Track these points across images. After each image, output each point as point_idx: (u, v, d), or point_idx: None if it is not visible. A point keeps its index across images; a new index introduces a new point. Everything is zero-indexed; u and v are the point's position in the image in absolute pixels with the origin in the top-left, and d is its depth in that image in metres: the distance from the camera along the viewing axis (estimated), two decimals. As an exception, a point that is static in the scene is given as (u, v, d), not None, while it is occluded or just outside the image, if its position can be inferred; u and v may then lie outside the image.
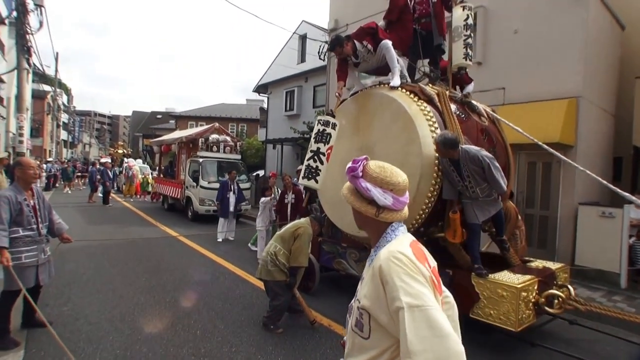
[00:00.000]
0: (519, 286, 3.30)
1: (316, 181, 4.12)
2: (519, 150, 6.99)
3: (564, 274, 4.18)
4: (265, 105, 18.28)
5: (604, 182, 4.07)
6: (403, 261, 1.04)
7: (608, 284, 5.87)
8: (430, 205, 3.75)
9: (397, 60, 4.26)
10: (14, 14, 10.74)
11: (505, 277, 3.52)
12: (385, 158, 3.91)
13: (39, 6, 10.94)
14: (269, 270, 3.70)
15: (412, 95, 3.98)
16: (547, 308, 3.50)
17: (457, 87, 5.03)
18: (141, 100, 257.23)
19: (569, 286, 3.76)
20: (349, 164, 1.24)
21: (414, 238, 1.19)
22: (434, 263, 1.18)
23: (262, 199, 6.30)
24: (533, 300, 3.47)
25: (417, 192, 3.69)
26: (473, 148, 3.53)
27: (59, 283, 4.90)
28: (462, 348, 0.97)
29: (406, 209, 1.22)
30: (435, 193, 3.73)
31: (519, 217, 4.80)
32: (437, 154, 3.67)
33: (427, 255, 1.17)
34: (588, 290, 5.63)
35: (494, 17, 7.52)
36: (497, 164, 3.49)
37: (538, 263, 4.25)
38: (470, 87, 5.20)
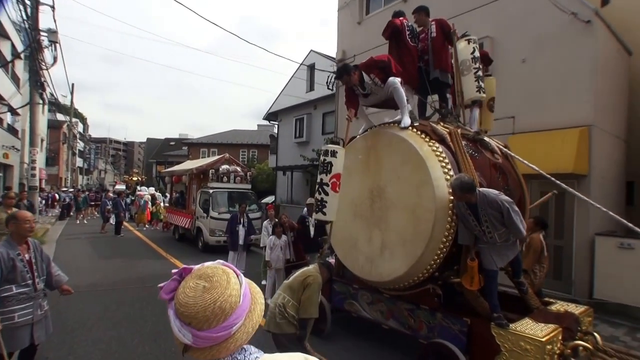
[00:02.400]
0: (544, 339, 3.08)
1: (323, 213, 3.98)
2: (531, 179, 6.82)
3: (588, 317, 3.92)
4: (275, 132, 18.45)
5: (615, 215, 3.90)
6: None
7: (631, 319, 5.54)
8: (445, 250, 3.58)
9: (407, 99, 4.21)
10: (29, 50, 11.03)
11: (528, 327, 3.30)
12: (397, 200, 3.85)
13: (53, 42, 11.24)
14: (278, 322, 3.41)
15: (423, 135, 3.87)
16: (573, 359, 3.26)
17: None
18: (155, 126, 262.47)
19: (595, 334, 3.52)
20: (165, 283, 0.94)
21: None
22: None
23: (271, 238, 6.15)
24: (558, 352, 3.23)
25: (432, 238, 3.53)
26: (492, 192, 3.39)
27: (63, 330, 4.66)
28: None
29: (239, 335, 0.88)
30: (450, 238, 3.57)
31: (545, 253, 4.57)
32: (451, 197, 3.54)
33: None
34: (610, 327, 5.30)
35: (501, 46, 7.50)
36: (517, 208, 3.34)
37: (559, 306, 4.00)
38: (476, 111, 5.07)
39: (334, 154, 4.02)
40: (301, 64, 14.94)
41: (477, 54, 4.35)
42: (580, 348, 3.33)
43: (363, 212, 4.23)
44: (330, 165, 3.99)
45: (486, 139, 4.26)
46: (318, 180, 4.04)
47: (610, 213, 4.01)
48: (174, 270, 0.95)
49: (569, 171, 5.98)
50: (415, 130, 3.94)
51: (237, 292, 0.89)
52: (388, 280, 3.95)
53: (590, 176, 6.41)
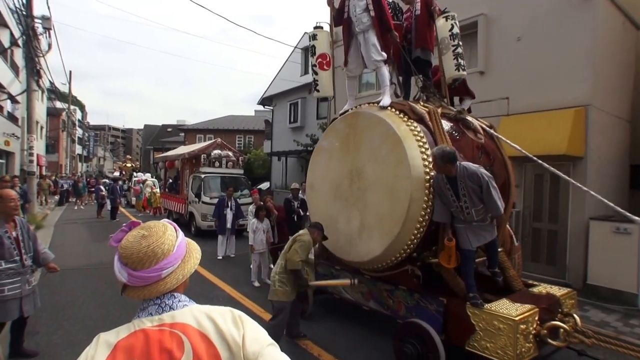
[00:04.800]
0: (517, 318, 3.09)
1: (317, 91, 4.68)
2: (525, 162, 6.73)
3: (571, 300, 3.91)
4: (271, 117, 18.36)
5: (601, 197, 3.85)
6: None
7: (624, 305, 5.50)
8: (422, 230, 3.58)
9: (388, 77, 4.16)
10: (24, 37, 11.09)
11: (503, 307, 3.30)
12: (375, 181, 3.85)
13: (47, 29, 11.29)
14: (274, 289, 3.84)
15: (401, 115, 3.84)
16: (550, 340, 3.26)
17: (458, 100, 4.89)
18: (153, 113, 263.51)
19: (575, 315, 3.51)
20: (115, 234, 1.07)
21: (146, 326, 0.96)
22: (185, 359, 0.92)
23: (254, 222, 6.18)
24: (533, 332, 3.23)
25: (407, 217, 3.52)
26: (472, 165, 3.39)
27: (54, 308, 4.90)
28: None
29: (169, 280, 0.99)
30: (427, 217, 3.56)
31: (515, 243, 4.54)
32: (427, 177, 3.52)
33: (150, 351, 0.92)
34: (602, 313, 5.29)
35: (496, 24, 7.32)
36: (495, 185, 3.32)
37: (542, 288, 3.99)
38: (468, 102, 5.03)
39: (314, 37, 4.62)
40: (295, 47, 14.71)
41: (455, 30, 4.25)
42: (561, 330, 3.33)
43: (342, 193, 4.22)
44: (314, 48, 4.61)
45: (469, 118, 4.19)
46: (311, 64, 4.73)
47: (594, 194, 3.95)
48: (124, 224, 1.08)
49: (562, 153, 5.88)
50: (393, 109, 3.91)
51: (171, 242, 1.02)
52: (366, 261, 3.97)
53: (586, 158, 6.30)
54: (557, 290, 3.94)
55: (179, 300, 1.02)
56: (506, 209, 4.26)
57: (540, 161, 4.11)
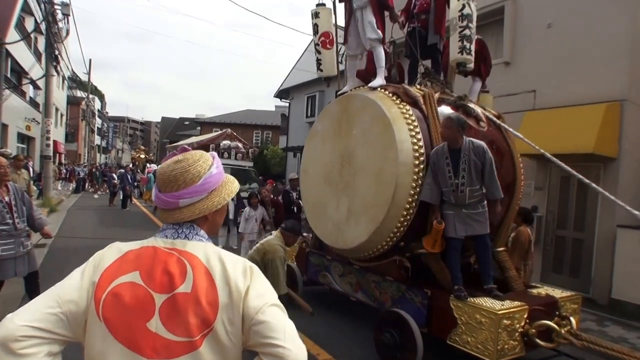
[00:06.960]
0: (500, 312, 3.14)
1: (321, 70, 5.02)
2: (550, 163, 6.58)
3: (573, 304, 3.87)
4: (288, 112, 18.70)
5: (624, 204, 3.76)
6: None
7: (651, 323, 5.29)
8: (409, 217, 3.69)
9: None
10: (45, 23, 12.09)
11: (489, 301, 3.35)
12: (364, 165, 4.01)
13: (65, 15, 12.28)
14: None
15: (394, 97, 3.96)
16: (538, 340, 3.27)
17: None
18: (173, 106, 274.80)
19: (571, 318, 3.48)
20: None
21: (158, 245, 1.00)
22: (184, 288, 0.94)
23: (247, 210, 6.42)
24: (520, 330, 3.26)
25: (393, 203, 3.64)
26: (478, 140, 3.56)
27: (61, 277, 5.41)
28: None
29: (186, 211, 1.02)
30: (414, 204, 3.66)
31: (531, 249, 4.50)
32: (416, 162, 3.62)
33: (154, 267, 0.96)
34: (622, 329, 5.11)
35: (525, 10, 7.23)
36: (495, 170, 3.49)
37: (542, 290, 3.98)
38: (477, 84, 4.96)
39: (317, 15, 4.78)
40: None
41: (466, 11, 4.29)
42: (553, 333, 3.33)
43: (333, 178, 4.38)
44: (316, 26, 4.83)
45: (471, 105, 4.23)
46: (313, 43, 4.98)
47: (613, 198, 3.87)
48: (176, 149, 1.15)
49: (589, 151, 5.71)
50: (387, 92, 4.04)
51: (197, 172, 1.02)
52: (352, 248, 4.10)
53: (620, 160, 6.08)
54: (558, 293, 3.92)
55: (197, 234, 1.04)
56: (508, 210, 4.22)
57: (553, 158, 4.06)
